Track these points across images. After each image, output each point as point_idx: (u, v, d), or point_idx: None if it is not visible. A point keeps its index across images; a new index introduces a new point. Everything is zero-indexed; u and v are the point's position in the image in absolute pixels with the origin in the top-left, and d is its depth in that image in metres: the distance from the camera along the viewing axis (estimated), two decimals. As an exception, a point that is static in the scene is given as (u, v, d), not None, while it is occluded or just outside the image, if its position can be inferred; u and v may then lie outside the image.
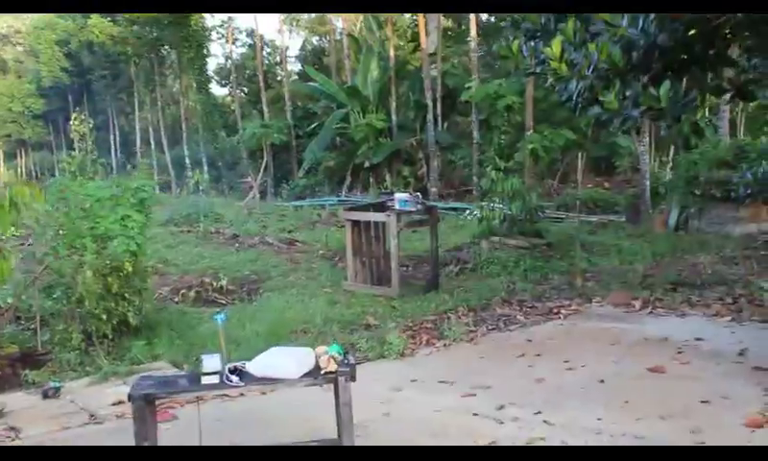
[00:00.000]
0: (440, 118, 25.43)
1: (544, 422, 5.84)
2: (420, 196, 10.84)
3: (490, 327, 8.91)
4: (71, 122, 32.72)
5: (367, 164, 25.30)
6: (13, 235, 10.33)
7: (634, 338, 8.13)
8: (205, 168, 34.57)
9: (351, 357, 5.17)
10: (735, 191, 9.78)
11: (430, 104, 23.99)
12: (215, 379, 4.87)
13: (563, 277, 11.72)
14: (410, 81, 26.68)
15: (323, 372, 4.86)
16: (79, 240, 8.54)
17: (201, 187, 24.64)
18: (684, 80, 6.21)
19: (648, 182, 18.37)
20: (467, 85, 22.78)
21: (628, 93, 5.84)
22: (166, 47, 36.86)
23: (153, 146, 39.18)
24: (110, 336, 8.46)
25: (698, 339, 7.92)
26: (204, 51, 34.27)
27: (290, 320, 9.42)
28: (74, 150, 35.96)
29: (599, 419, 5.80)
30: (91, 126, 34.25)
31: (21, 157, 49.50)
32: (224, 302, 11.25)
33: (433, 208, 11.18)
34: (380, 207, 11.55)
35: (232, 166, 34.51)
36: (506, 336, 8.62)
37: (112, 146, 42.56)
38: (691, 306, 9.38)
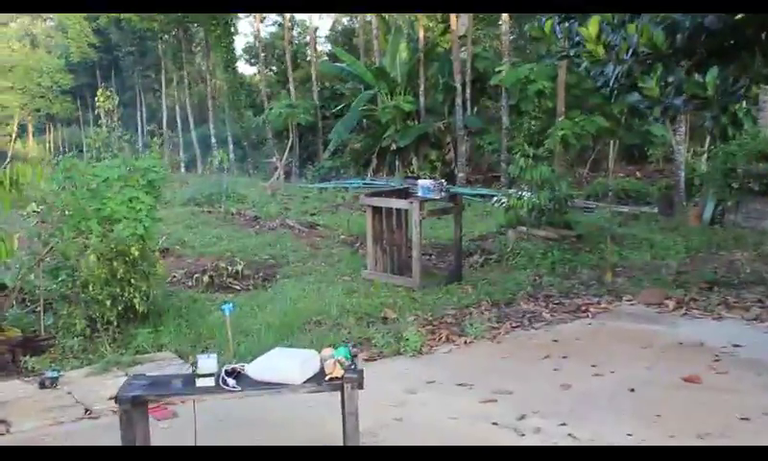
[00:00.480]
0: (469, 102, 24.83)
1: (569, 435, 5.39)
2: (445, 183, 10.36)
3: (513, 325, 8.44)
4: (97, 97, 32.71)
5: (393, 147, 24.79)
6: (34, 211, 10.04)
7: (666, 342, 7.64)
8: (231, 147, 34.36)
9: (360, 362, 4.77)
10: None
11: (459, 87, 23.40)
12: (210, 382, 4.49)
13: (592, 271, 11.20)
14: (439, 63, 26.07)
15: (327, 378, 4.46)
16: (84, 222, 8.19)
17: (225, 166, 24.34)
18: (732, 66, 5.68)
19: (683, 174, 17.71)
20: (497, 69, 22.18)
21: (670, 80, 5.32)
22: (194, 24, 36.54)
23: (179, 124, 39.00)
24: (116, 323, 8.12)
25: (736, 346, 7.41)
26: (232, 29, 33.79)
27: (304, 310, 9.02)
28: (100, 126, 36.13)
29: (629, 435, 5.34)
30: (117, 102, 34.27)
31: (50, 133, 49.64)
32: (238, 287, 10.89)
33: (457, 196, 10.70)
34: (403, 194, 11.12)
35: (258, 146, 34.17)
36: (530, 335, 8.15)
37: (139, 123, 42.39)
38: (728, 308, 8.83)
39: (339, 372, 4.46)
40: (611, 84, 5.75)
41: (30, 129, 50.53)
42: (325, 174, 27.75)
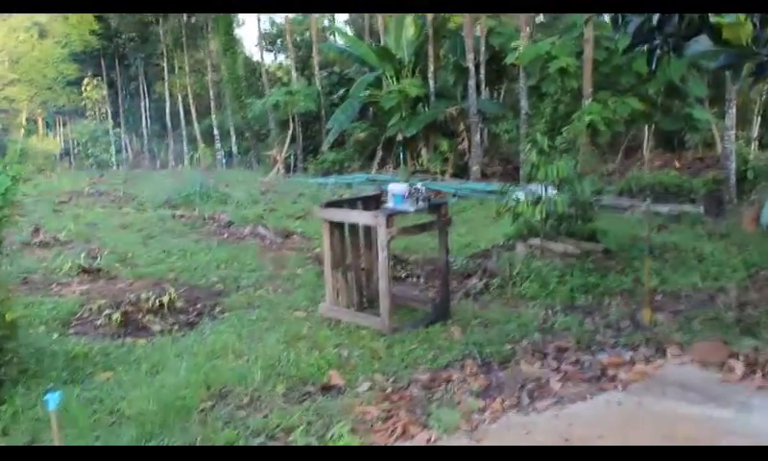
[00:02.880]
0: (484, 85, 22.12)
1: None
2: (424, 189, 7.67)
3: (506, 404, 5.76)
4: (83, 87, 30.44)
5: (400, 137, 22.11)
6: None
7: (738, 441, 4.93)
8: (233, 139, 32.04)
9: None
10: None
11: (472, 68, 20.59)
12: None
13: (623, 303, 8.49)
14: (450, 41, 23.27)
15: None
16: None
17: (221, 160, 21.98)
18: None
19: (733, 166, 14.80)
20: (514, 45, 19.39)
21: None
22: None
23: (181, 114, 36.67)
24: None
25: None
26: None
27: (215, 376, 6.41)
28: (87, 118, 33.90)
29: None
30: (104, 92, 31.98)
31: (59, 126, 47.49)
32: (158, 328, 8.33)
33: (442, 207, 7.99)
34: (374, 203, 8.48)
35: (263, 137, 31.70)
36: (528, 424, 5.44)
37: (143, 113, 40.08)
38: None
39: None
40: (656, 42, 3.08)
41: (40, 122, 48.37)
42: (329, 168, 25.23)
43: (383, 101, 21.99)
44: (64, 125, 42.66)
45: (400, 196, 7.66)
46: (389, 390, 6.12)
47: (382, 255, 7.43)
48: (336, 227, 8.09)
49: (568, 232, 10.24)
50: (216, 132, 33.23)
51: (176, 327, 8.37)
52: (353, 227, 8.24)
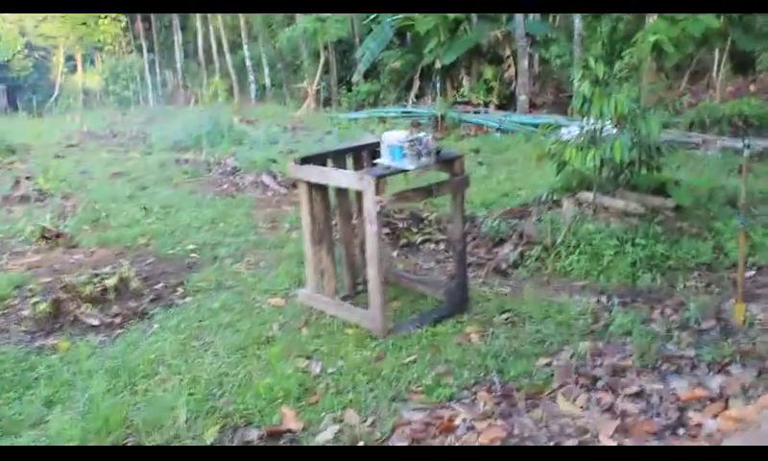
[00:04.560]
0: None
1: None
2: (431, 139, 5.57)
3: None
4: (100, 21, 28.62)
5: (438, 65, 19.75)
6: None
7: None
8: (266, 71, 29.98)
9: None
10: None
11: (519, -17, 18.03)
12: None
13: (702, 282, 6.37)
14: (495, -47, 20.64)
15: None
16: None
17: (253, 93, 20.01)
18: None
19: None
20: (566, -46, 16.76)
21: None
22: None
23: (213, 46, 34.58)
24: None
25: None
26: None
27: (117, 419, 4.54)
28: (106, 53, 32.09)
29: None
30: (123, 24, 30.09)
31: (99, 63, 45.86)
32: (95, 322, 6.50)
33: (456, 162, 5.86)
34: (370, 154, 6.41)
35: (296, 68, 29.52)
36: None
37: (177, 48, 38.06)
38: None
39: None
40: None
41: (79, 59, 46.74)
42: (363, 100, 23.07)
43: (418, 24, 19.59)
44: (103, 61, 41.04)
45: (398, 149, 5.58)
46: (361, 441, 4.17)
47: (371, 231, 5.40)
48: (318, 189, 6.07)
49: (629, 184, 8.04)
50: (249, 63, 31.15)
51: (118, 319, 6.53)
52: (342, 188, 6.20)
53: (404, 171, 5.52)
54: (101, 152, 17.19)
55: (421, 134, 5.50)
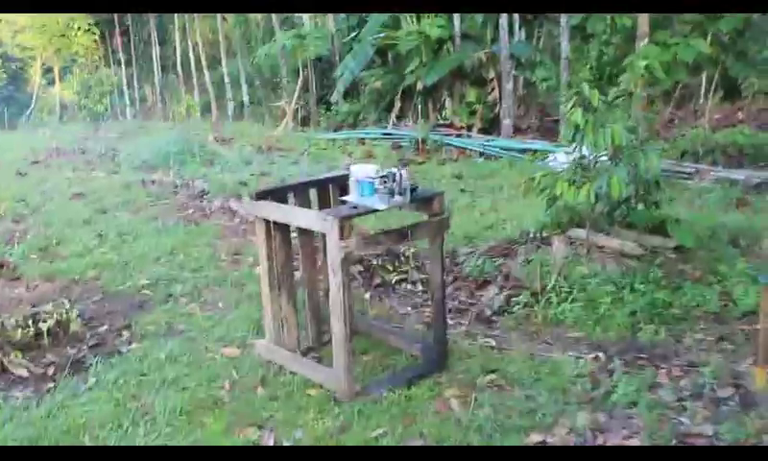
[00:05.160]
0: (518, 24, 18.98)
1: None
2: (404, 174, 4.83)
3: None
4: (74, 32, 27.80)
5: (420, 86, 19.06)
6: None
7: None
8: (245, 88, 29.20)
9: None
10: None
11: (504, 4, 17.40)
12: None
13: (711, 335, 5.67)
14: (480, -27, 20.04)
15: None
16: None
17: (232, 110, 19.31)
18: None
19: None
20: (553, -25, 16.18)
21: None
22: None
23: (192, 61, 33.76)
24: None
25: None
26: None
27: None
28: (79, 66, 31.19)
29: None
30: (95, 37, 29.25)
31: (74, 75, 44.80)
32: (23, 373, 5.70)
33: (435, 200, 5.11)
34: (339, 188, 5.65)
35: (275, 86, 28.76)
36: None
37: (155, 62, 37.15)
38: None
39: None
40: None
41: (57, 71, 45.60)
42: (343, 120, 22.35)
43: (401, 43, 18.89)
44: (74, 74, 39.99)
45: (368, 185, 4.85)
46: None
47: (335, 282, 4.65)
48: (278, 227, 5.31)
49: (625, 221, 7.36)
50: (227, 80, 30.39)
51: (51, 370, 5.73)
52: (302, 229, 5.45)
53: (374, 211, 4.78)
54: (66, 170, 16.33)
55: (394, 170, 4.77)
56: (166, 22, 37.60)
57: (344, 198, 5.08)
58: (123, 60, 38.38)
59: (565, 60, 15.85)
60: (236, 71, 30.14)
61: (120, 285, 7.69)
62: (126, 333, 6.41)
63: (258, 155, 17.29)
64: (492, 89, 18.57)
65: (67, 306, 6.67)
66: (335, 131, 21.25)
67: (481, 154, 16.05)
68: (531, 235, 7.75)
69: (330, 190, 5.69)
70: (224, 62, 30.40)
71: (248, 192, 11.62)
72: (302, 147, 18.66)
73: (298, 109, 24.08)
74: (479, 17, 19.07)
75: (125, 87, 38.41)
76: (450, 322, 6.29)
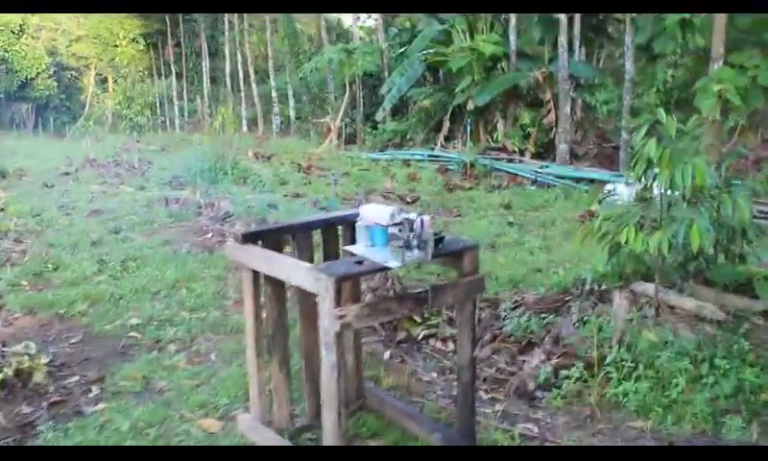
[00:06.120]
0: (578, 42, 17.72)
1: None
2: (426, 222, 3.71)
3: None
4: (118, 42, 27.31)
5: (471, 106, 17.92)
6: None
7: None
8: (291, 102, 28.44)
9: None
10: None
11: (564, 20, 16.17)
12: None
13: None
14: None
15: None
16: None
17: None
18: None
19: None
20: (619, -10, 14.92)
21: None
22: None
23: (240, 74, 33.14)
24: None
25: None
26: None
27: None
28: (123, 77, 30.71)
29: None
30: (140, 46, 28.70)
31: (118, 85, 44.66)
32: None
33: (466, 254, 3.94)
34: (350, 230, 4.50)
35: (322, 101, 27.89)
36: None
37: (205, 74, 36.65)
38: None
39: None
40: None
41: (110, 80, 45.56)
42: (389, 139, 21.34)
43: (452, 60, 17.79)
44: (118, 83, 39.75)
45: (380, 232, 3.73)
46: None
47: (327, 361, 3.52)
48: (269, 278, 4.21)
49: (701, 275, 6.09)
50: (274, 94, 29.69)
51: (-5, 436, 4.72)
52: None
53: (384, 269, 3.65)
54: (93, 183, 15.62)
55: (413, 215, 3.63)
56: (217, 35, 37.19)
57: (349, 248, 3.95)
58: (174, 72, 38.06)
59: (629, 83, 14.52)
60: (284, 85, 29.45)
61: (107, 324, 6.67)
62: (95, 389, 5.38)
63: (295, 174, 16.33)
64: (548, 112, 17.38)
65: (33, 351, 5.67)
66: (380, 150, 20.25)
67: (534, 181, 14.85)
68: (587, 287, 6.51)
69: (341, 233, 4.58)
70: (272, 76, 29.72)
71: (278, 214, 10.70)
72: (344, 166, 17.68)
73: (343, 126, 23.11)
74: (536, 34, 17.85)
75: (175, 99, 38.06)
76: (484, 395, 5.14)
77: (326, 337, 3.50)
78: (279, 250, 4.31)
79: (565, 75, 16.29)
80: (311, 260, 4.39)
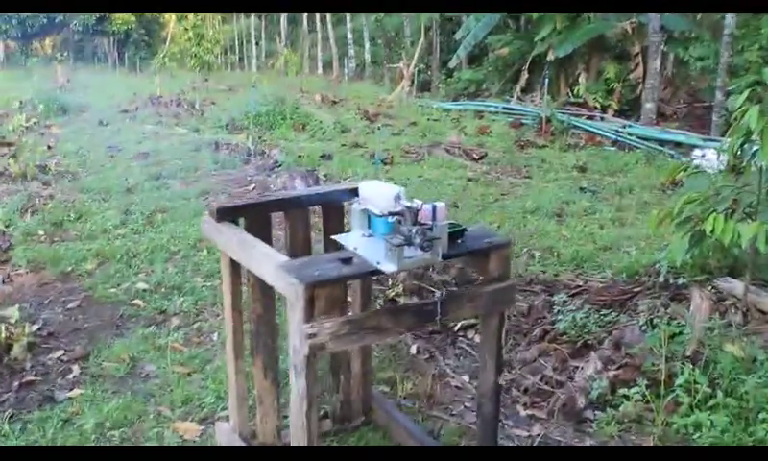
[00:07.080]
0: (673, -10, 16.16)
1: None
2: (441, 212, 2.83)
3: None
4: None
5: (551, 56, 16.63)
6: None
7: None
8: (367, 46, 27.46)
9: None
10: None
11: (659, -35, 14.65)
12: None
13: None
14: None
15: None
16: None
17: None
18: None
19: None
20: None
21: None
22: None
23: (317, 15, 32.25)
24: None
25: None
26: None
27: None
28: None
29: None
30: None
31: (188, 21, 44.19)
32: None
33: (492, 253, 3.02)
34: (337, 215, 3.59)
35: (398, 46, 26.82)
36: None
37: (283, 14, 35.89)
38: None
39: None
40: None
41: (191, 17, 45.21)
42: (463, 89, 20.21)
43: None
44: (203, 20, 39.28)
45: (382, 221, 2.83)
46: None
47: (296, 388, 2.68)
48: (248, 273, 3.38)
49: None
50: (349, 36, 28.75)
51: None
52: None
53: (376, 273, 2.76)
54: (149, 122, 15.12)
55: (416, 203, 2.72)
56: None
57: (340, 238, 3.06)
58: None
59: (728, 37, 13.00)
60: (360, 27, 28.47)
61: (112, 288, 6.00)
62: (76, 370, 4.69)
63: (359, 122, 15.45)
64: (636, 66, 15.97)
65: (17, 316, 5.04)
66: (453, 100, 19.15)
67: (614, 142, 13.60)
68: (661, 278, 5.48)
69: (342, 210, 3.71)
70: (348, 17, 28.76)
71: (330, 166, 9.92)
72: (414, 116, 16.72)
73: (417, 72, 22.02)
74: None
75: (252, 39, 37.52)
76: (522, 411, 4.24)
77: (295, 359, 2.65)
78: (267, 230, 3.47)
79: (657, 26, 14.80)
80: (307, 247, 3.55)
